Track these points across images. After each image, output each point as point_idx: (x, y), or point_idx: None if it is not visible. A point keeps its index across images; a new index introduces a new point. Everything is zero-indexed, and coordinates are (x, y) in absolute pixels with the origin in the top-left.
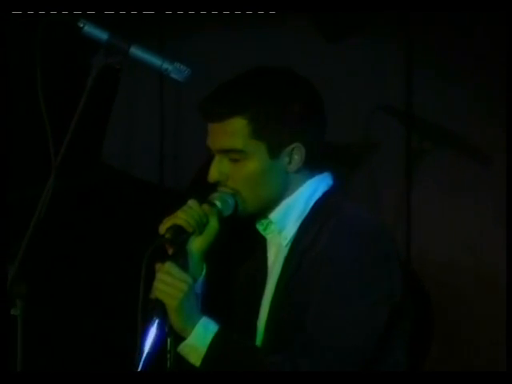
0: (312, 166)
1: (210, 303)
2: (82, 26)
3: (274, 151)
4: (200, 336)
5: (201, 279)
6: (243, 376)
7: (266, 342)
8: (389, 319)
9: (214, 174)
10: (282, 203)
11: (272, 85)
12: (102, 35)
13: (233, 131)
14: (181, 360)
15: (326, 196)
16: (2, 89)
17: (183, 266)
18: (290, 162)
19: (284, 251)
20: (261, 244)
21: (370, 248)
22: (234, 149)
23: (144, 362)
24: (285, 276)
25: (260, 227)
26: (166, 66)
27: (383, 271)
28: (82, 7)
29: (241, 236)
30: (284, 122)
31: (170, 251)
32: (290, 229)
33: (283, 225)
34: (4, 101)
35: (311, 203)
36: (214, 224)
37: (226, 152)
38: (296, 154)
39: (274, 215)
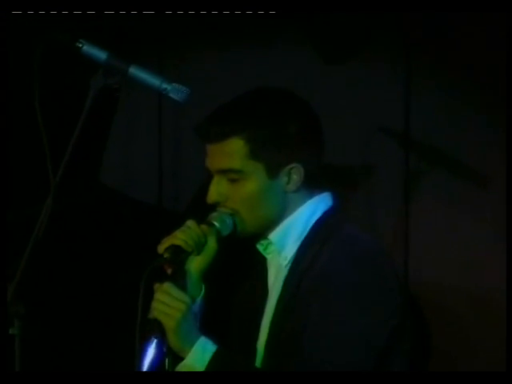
0: (311, 186)
1: (210, 323)
2: (80, 45)
3: (273, 171)
4: (198, 356)
5: (199, 299)
6: (243, 377)
7: (266, 363)
8: (387, 340)
9: (212, 195)
10: (281, 223)
11: (269, 105)
12: (100, 55)
13: (230, 152)
14: None
15: (326, 216)
16: (1, 105)
17: (182, 286)
18: (288, 182)
19: (284, 271)
20: (261, 264)
21: (369, 269)
22: (232, 169)
23: None
24: (284, 297)
25: (260, 247)
26: (165, 86)
27: (382, 292)
28: (81, 8)
29: (241, 256)
30: (282, 143)
31: (169, 271)
32: (290, 249)
33: (283, 245)
34: (3, 119)
35: (311, 223)
36: (212, 244)
37: (225, 172)
38: (295, 174)
39: (273, 235)
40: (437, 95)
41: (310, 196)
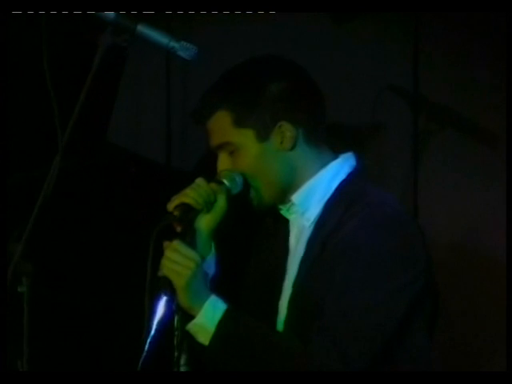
0: (317, 143)
1: (226, 284)
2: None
3: (261, 134)
4: (208, 315)
5: (212, 258)
6: (245, 376)
7: (287, 323)
8: (410, 305)
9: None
10: (304, 185)
11: (245, 72)
12: (108, 13)
13: (218, 126)
14: (189, 339)
15: (350, 178)
16: (6, 69)
17: (191, 244)
18: (282, 142)
19: (307, 233)
20: (281, 225)
21: (395, 235)
22: (224, 142)
23: (151, 339)
24: (308, 259)
25: (283, 209)
26: (173, 44)
27: (407, 258)
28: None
29: (260, 216)
30: (262, 104)
31: (178, 229)
32: (313, 210)
33: (306, 206)
34: (8, 81)
35: (334, 185)
36: (222, 202)
37: (221, 147)
38: (286, 132)
39: (296, 197)
40: (446, 53)
41: (333, 157)
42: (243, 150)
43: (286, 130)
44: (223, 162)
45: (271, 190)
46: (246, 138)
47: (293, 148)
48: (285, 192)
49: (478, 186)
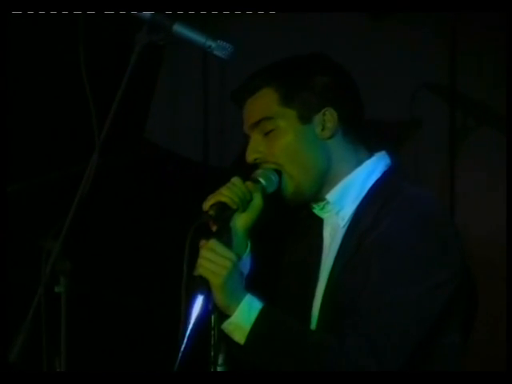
0: (355, 140)
1: (260, 282)
2: None
3: (304, 116)
4: (244, 314)
5: (247, 257)
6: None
7: (322, 321)
8: (445, 304)
9: (250, 153)
10: (339, 183)
11: (298, 60)
12: (145, 12)
13: (262, 102)
14: (225, 337)
15: (386, 176)
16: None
17: (227, 243)
18: (323, 129)
19: (341, 231)
20: (315, 224)
21: (432, 233)
22: (265, 117)
23: (188, 339)
24: (343, 257)
25: (317, 207)
26: (210, 43)
27: (443, 255)
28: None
29: (294, 215)
30: (311, 89)
31: (214, 228)
32: (348, 209)
33: (341, 205)
34: (45, 80)
35: (369, 183)
36: (257, 201)
37: (258, 124)
38: (328, 121)
39: (331, 196)
40: (483, 50)
41: (368, 156)
42: (282, 129)
43: (329, 119)
44: (257, 142)
45: (307, 177)
46: (289, 117)
47: (330, 138)
48: (320, 183)
49: None
